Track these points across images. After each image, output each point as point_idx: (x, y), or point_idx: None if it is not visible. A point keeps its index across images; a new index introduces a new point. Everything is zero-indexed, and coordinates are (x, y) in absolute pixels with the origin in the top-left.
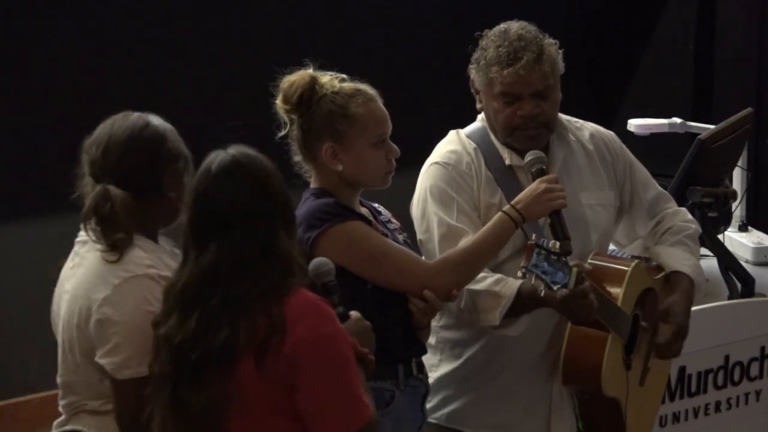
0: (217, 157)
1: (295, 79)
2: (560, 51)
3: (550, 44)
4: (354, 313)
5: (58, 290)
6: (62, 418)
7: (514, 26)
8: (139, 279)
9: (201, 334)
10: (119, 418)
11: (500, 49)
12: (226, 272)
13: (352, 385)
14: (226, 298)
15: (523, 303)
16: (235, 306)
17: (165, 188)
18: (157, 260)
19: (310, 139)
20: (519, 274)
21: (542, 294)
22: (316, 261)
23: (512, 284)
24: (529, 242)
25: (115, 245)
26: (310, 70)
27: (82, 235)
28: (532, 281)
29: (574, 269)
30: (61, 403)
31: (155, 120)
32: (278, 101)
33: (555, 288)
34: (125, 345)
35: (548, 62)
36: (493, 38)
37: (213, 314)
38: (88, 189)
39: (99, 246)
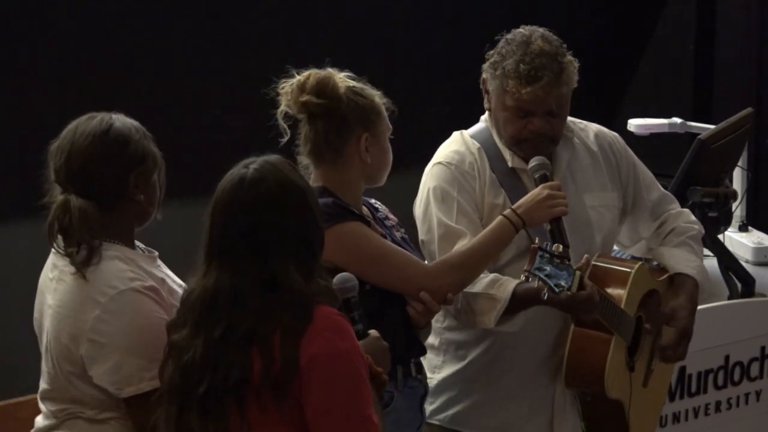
0: (247, 174)
1: (323, 74)
2: (577, 66)
3: (569, 62)
4: (373, 332)
5: (39, 299)
6: (49, 422)
7: (537, 37)
8: (125, 294)
9: (207, 362)
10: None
11: (521, 64)
12: (224, 301)
13: (361, 403)
14: (228, 331)
15: (519, 303)
16: (242, 340)
17: (132, 192)
18: (137, 269)
19: (340, 131)
20: (522, 277)
21: (545, 297)
22: (341, 276)
23: (507, 286)
24: (532, 246)
25: (83, 260)
26: (315, 69)
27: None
28: (536, 284)
29: (577, 272)
30: (49, 407)
31: (118, 122)
32: (303, 98)
33: (558, 291)
34: (125, 363)
35: (566, 83)
36: (514, 48)
37: (218, 344)
38: (56, 196)
39: (69, 267)
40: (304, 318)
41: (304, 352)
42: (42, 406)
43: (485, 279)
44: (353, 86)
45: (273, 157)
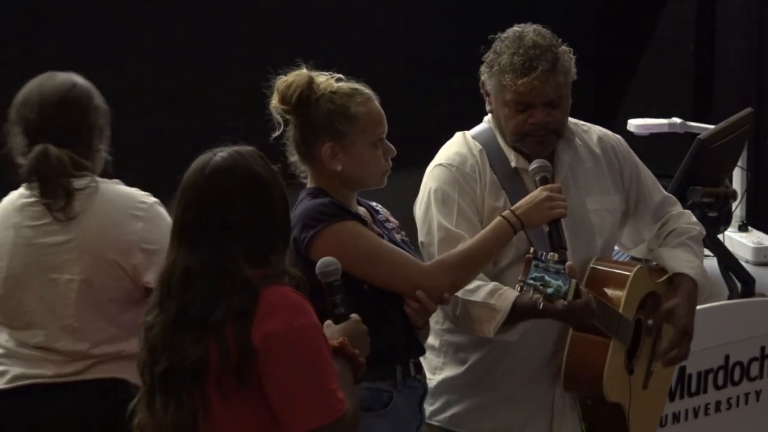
0: (212, 160)
1: (292, 79)
2: (573, 57)
3: (564, 52)
4: (353, 315)
5: (37, 251)
6: (78, 364)
7: (529, 31)
8: (154, 206)
9: (166, 342)
10: None
11: (515, 57)
12: (176, 281)
13: (322, 378)
14: (180, 312)
15: (519, 315)
16: (196, 323)
17: (95, 143)
18: None
19: (308, 139)
20: (517, 288)
21: (541, 307)
22: (323, 260)
23: (507, 297)
24: (527, 256)
25: (61, 207)
26: (305, 70)
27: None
28: (531, 294)
29: (573, 281)
30: (77, 347)
31: (79, 79)
32: (274, 102)
33: (554, 300)
34: None
35: (562, 72)
36: (508, 44)
37: (175, 325)
38: (18, 146)
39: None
40: (250, 301)
41: (258, 331)
42: (46, 355)
43: (486, 287)
44: (331, 92)
45: (244, 148)
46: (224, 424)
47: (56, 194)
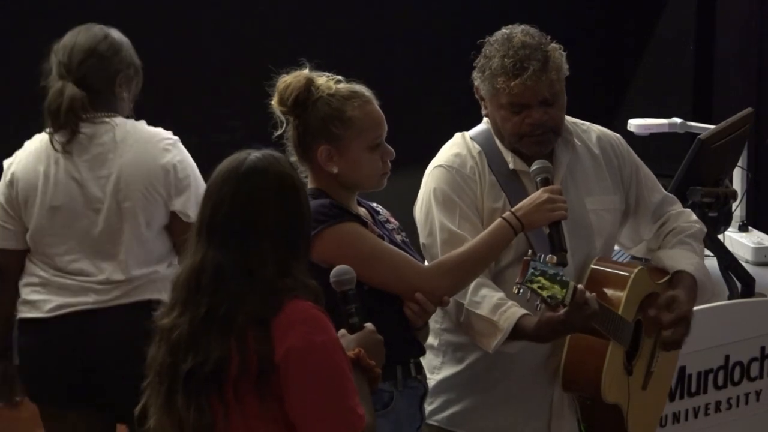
0: (247, 159)
1: (290, 80)
2: (564, 54)
3: (554, 49)
4: (368, 325)
5: (76, 182)
6: (118, 290)
7: (517, 32)
8: (178, 141)
9: (192, 341)
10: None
11: (505, 59)
12: (207, 281)
13: (342, 395)
14: (210, 311)
15: (521, 334)
16: (222, 324)
17: (118, 90)
18: None
19: (305, 140)
20: (514, 290)
21: (538, 309)
22: (338, 269)
23: (510, 316)
24: (524, 258)
25: (64, 140)
26: (306, 71)
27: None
28: (528, 297)
29: (571, 284)
30: (117, 274)
31: (115, 33)
32: (274, 102)
33: (551, 302)
34: (194, 194)
35: (554, 69)
36: (497, 47)
37: (202, 324)
38: (53, 85)
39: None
40: (272, 308)
41: (279, 346)
42: (87, 283)
43: (491, 299)
44: (329, 94)
45: (275, 152)
46: (250, 416)
47: (62, 128)
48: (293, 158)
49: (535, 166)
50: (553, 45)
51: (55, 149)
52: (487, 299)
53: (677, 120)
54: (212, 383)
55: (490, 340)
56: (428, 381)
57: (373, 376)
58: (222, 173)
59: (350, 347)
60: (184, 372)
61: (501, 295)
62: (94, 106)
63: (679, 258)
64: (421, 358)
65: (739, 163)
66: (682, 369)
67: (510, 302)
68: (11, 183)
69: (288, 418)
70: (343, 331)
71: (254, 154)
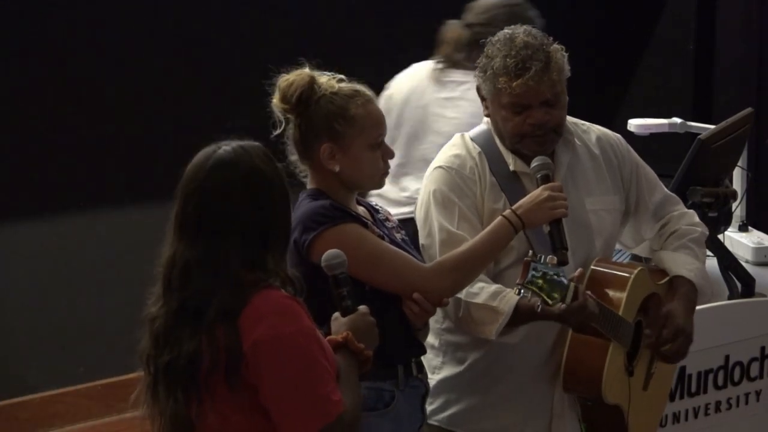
0: (215, 153)
1: (293, 78)
2: (566, 54)
3: (556, 50)
4: (362, 308)
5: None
6: None
7: (520, 32)
8: None
9: (168, 334)
10: None
11: (507, 59)
12: (176, 275)
13: (313, 384)
14: (182, 306)
15: (521, 317)
16: (193, 318)
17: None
18: None
19: (307, 139)
20: (515, 291)
21: (539, 310)
22: (329, 252)
23: (510, 300)
24: (525, 259)
25: None
26: (308, 70)
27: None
28: (529, 297)
29: (571, 284)
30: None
31: None
32: (275, 100)
33: (552, 303)
34: None
35: (556, 70)
36: (499, 47)
37: (176, 317)
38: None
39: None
40: (239, 300)
41: (247, 337)
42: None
43: (489, 289)
44: (332, 92)
45: (249, 144)
46: (216, 425)
47: None
48: (293, 157)
49: (535, 162)
50: (555, 46)
51: None
52: (485, 289)
53: (677, 120)
54: (187, 376)
55: (492, 327)
56: (429, 380)
57: (363, 359)
58: (192, 168)
59: (341, 330)
60: (163, 365)
61: (498, 285)
62: None
63: (680, 262)
64: (422, 358)
65: (739, 163)
66: (682, 369)
67: (508, 289)
68: None
69: (264, 406)
70: (336, 314)
71: (224, 148)
